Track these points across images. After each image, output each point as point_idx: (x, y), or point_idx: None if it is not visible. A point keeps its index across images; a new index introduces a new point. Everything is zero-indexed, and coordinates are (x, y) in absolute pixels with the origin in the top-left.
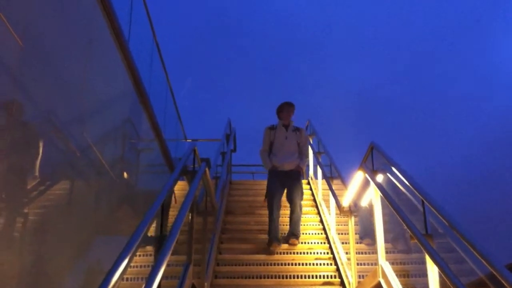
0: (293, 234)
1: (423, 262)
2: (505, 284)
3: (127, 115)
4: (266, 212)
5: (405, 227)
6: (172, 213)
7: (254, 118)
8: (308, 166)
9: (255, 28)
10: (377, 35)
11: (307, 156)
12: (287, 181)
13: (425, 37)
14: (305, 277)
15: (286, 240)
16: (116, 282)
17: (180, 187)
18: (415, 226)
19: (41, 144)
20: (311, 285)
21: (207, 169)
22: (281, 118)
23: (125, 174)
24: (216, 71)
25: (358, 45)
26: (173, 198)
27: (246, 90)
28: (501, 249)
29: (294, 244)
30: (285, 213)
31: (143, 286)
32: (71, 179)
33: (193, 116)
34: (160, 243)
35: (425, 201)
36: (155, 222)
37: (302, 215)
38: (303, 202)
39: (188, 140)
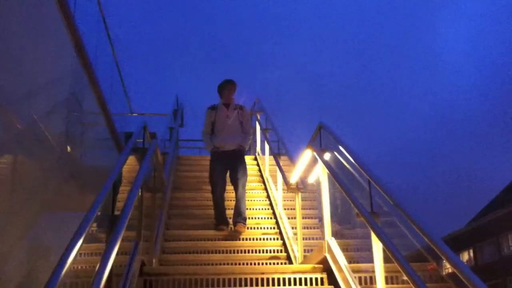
0: (239, 215)
1: (368, 237)
2: (439, 254)
3: (72, 89)
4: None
5: (352, 205)
6: (123, 188)
7: (203, 95)
8: (255, 142)
9: (209, 5)
10: (330, 19)
11: (250, 134)
12: (229, 161)
13: (376, 20)
14: (252, 252)
15: (233, 223)
16: (73, 260)
17: (128, 162)
18: (361, 204)
19: None
20: (258, 259)
21: (157, 146)
22: (222, 97)
23: (69, 149)
24: (167, 47)
25: (312, 27)
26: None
27: (197, 67)
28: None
29: (240, 231)
30: (230, 196)
31: (98, 264)
32: (15, 154)
33: (142, 91)
34: (112, 221)
35: (371, 180)
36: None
37: (249, 191)
38: (249, 178)
39: (134, 114)
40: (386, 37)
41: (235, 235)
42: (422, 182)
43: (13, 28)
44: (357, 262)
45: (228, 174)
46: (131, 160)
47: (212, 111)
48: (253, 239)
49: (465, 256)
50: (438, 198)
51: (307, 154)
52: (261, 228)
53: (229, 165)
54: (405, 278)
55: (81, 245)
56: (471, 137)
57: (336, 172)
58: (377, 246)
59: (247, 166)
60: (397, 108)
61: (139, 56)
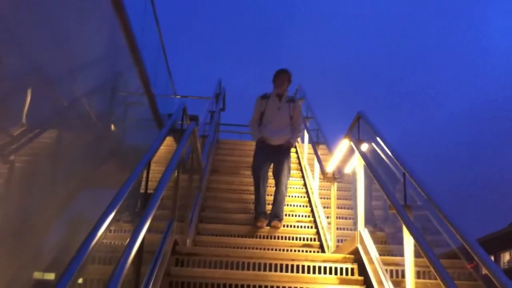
0: (276, 216)
1: (401, 231)
2: (474, 256)
3: (118, 68)
4: (251, 172)
5: (385, 198)
6: (158, 169)
7: (245, 80)
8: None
9: None
10: (368, 6)
11: (299, 130)
12: (274, 157)
13: (420, 12)
14: (285, 238)
15: (268, 222)
16: (103, 233)
17: (166, 143)
18: (395, 197)
19: (29, 93)
20: (291, 246)
21: (195, 128)
22: (275, 87)
23: (113, 127)
24: (211, 32)
25: (354, 15)
26: None
27: (239, 52)
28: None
29: (277, 227)
30: (271, 190)
31: (128, 240)
32: (58, 129)
33: (185, 74)
34: (145, 199)
35: (406, 173)
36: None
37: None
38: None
39: (177, 97)
40: (430, 30)
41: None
42: (460, 178)
43: (60, 7)
44: (390, 255)
45: (271, 169)
46: (171, 141)
47: (263, 100)
48: (288, 226)
49: (507, 256)
50: (477, 197)
51: (344, 144)
52: (296, 215)
53: (273, 160)
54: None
55: (112, 220)
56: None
57: (372, 164)
58: (408, 240)
59: None
60: (437, 102)
61: (183, 39)
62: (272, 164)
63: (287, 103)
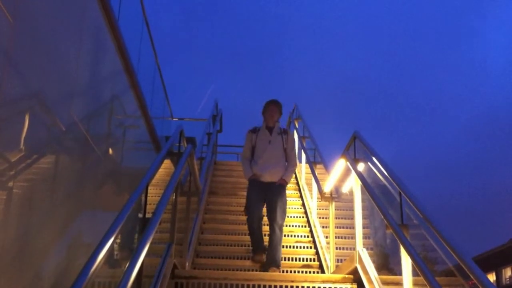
0: (273, 262)
1: (399, 249)
2: (471, 276)
3: (114, 92)
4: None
5: (382, 217)
6: (156, 192)
7: (242, 99)
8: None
9: (244, 11)
10: (365, 22)
11: (293, 164)
12: (267, 195)
13: (413, 23)
14: (285, 259)
15: (265, 268)
16: (103, 258)
17: (165, 165)
18: (391, 216)
19: (27, 119)
20: (290, 267)
21: (193, 151)
22: (265, 119)
23: (111, 151)
24: (205, 52)
25: (346, 32)
26: None
27: (234, 72)
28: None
29: (274, 274)
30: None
31: (127, 264)
32: (56, 154)
33: (180, 95)
34: (143, 223)
35: (402, 193)
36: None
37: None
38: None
39: (174, 119)
40: (426, 42)
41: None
42: (459, 192)
43: (57, 32)
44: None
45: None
46: (168, 164)
47: (253, 134)
48: (287, 247)
49: (508, 272)
50: (476, 211)
51: (341, 163)
52: (295, 236)
53: (266, 199)
54: None
55: (112, 243)
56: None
57: (369, 184)
58: (406, 259)
59: None
60: (436, 115)
61: (179, 61)
62: (265, 203)
63: (279, 136)
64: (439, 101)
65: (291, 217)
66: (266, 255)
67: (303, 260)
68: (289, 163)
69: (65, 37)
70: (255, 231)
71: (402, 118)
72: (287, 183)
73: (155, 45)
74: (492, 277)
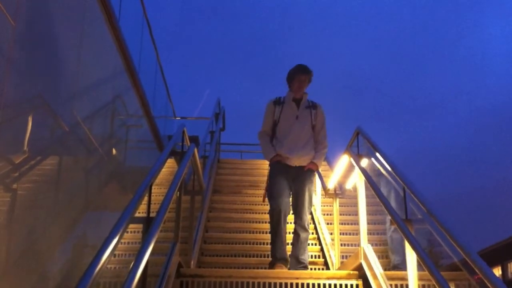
0: (299, 262)
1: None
2: (476, 270)
3: (117, 92)
4: (253, 191)
5: (386, 212)
6: (159, 191)
7: (244, 97)
8: None
9: (244, 5)
10: (366, 17)
11: (325, 146)
12: (295, 182)
13: (414, 18)
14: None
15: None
16: (106, 260)
17: (167, 165)
18: (395, 211)
19: (30, 120)
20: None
21: (195, 150)
22: (292, 89)
23: (114, 151)
24: (207, 50)
25: (347, 26)
26: None
27: (237, 69)
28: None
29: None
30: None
31: (131, 264)
32: (60, 155)
33: (183, 93)
34: (147, 223)
35: (406, 188)
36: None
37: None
38: None
39: (177, 118)
40: (427, 37)
41: None
42: (462, 186)
43: (59, 33)
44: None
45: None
46: (172, 163)
47: (276, 106)
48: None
49: None
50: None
51: (344, 160)
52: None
53: (293, 185)
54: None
55: (116, 246)
56: None
57: (372, 179)
58: (410, 253)
59: None
60: (437, 110)
61: (181, 60)
62: (291, 192)
63: (307, 110)
64: (440, 96)
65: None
66: (291, 253)
67: (308, 257)
68: (320, 144)
69: (66, 38)
70: (279, 232)
71: (404, 114)
72: (318, 168)
73: (156, 43)
74: (498, 271)
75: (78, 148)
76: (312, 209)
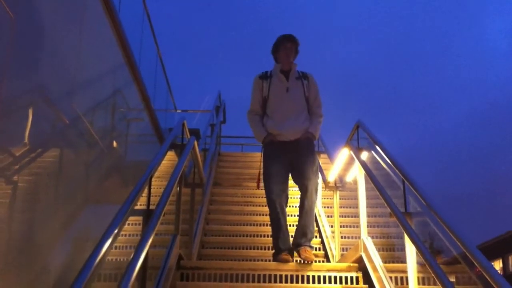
0: (303, 235)
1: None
2: (475, 263)
3: (117, 86)
4: (254, 184)
5: (386, 205)
6: (160, 184)
7: (245, 89)
8: None
9: (247, 1)
10: (365, 12)
11: (320, 115)
12: (292, 157)
13: (414, 13)
14: None
15: (295, 248)
16: (106, 252)
17: (168, 157)
18: (395, 204)
19: (30, 113)
20: (296, 256)
21: (195, 142)
22: (278, 60)
23: (115, 144)
24: (207, 42)
25: (351, 21)
26: None
27: (237, 62)
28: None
29: (309, 259)
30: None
31: (131, 256)
32: (61, 148)
33: (184, 86)
34: (147, 215)
35: (405, 181)
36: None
37: (290, 188)
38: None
39: (178, 111)
40: (428, 32)
41: None
42: (462, 180)
43: (59, 26)
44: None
45: (290, 175)
46: (173, 156)
47: (263, 81)
48: (292, 236)
49: None
50: (482, 198)
51: (344, 153)
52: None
53: (292, 162)
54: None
55: (115, 238)
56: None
57: (372, 172)
58: (410, 247)
59: None
60: (438, 105)
61: (182, 52)
62: (290, 170)
63: (298, 81)
64: (440, 90)
65: (294, 206)
66: (296, 228)
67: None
68: (315, 113)
69: (66, 31)
70: (278, 216)
71: (404, 108)
72: (315, 138)
73: (157, 37)
74: (498, 264)
75: (78, 141)
76: None
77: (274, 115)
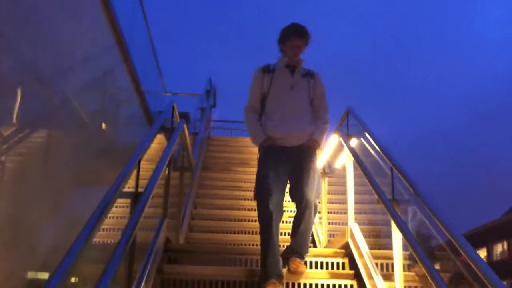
0: (296, 251)
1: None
2: (461, 251)
3: (107, 67)
4: (243, 168)
5: (373, 192)
6: (150, 167)
7: (235, 74)
8: None
9: None
10: (361, 1)
11: (326, 120)
12: (292, 166)
13: (409, 3)
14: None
15: (285, 260)
16: (93, 233)
17: (157, 140)
18: (382, 191)
19: (19, 93)
20: (283, 242)
21: (185, 126)
22: (285, 53)
23: (104, 126)
24: (199, 26)
25: (343, 9)
26: None
27: (228, 46)
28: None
29: (298, 272)
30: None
31: (119, 238)
32: (49, 129)
33: (175, 69)
34: (136, 198)
35: (394, 168)
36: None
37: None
38: None
39: (167, 94)
40: (418, 22)
41: None
42: (448, 171)
43: (48, 6)
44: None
45: (288, 185)
46: (162, 140)
47: (266, 74)
48: (281, 222)
49: (499, 248)
50: (464, 190)
51: (333, 139)
52: (288, 211)
53: (290, 172)
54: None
55: (103, 220)
56: (504, 128)
57: (361, 159)
58: (396, 233)
59: None
60: (427, 94)
61: (173, 35)
62: (288, 180)
63: (303, 79)
64: (433, 79)
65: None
66: (290, 244)
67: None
68: (321, 118)
69: (58, 12)
70: (271, 234)
71: (396, 96)
72: (319, 146)
73: (149, 21)
74: (483, 253)
75: (68, 122)
76: None
77: (274, 115)
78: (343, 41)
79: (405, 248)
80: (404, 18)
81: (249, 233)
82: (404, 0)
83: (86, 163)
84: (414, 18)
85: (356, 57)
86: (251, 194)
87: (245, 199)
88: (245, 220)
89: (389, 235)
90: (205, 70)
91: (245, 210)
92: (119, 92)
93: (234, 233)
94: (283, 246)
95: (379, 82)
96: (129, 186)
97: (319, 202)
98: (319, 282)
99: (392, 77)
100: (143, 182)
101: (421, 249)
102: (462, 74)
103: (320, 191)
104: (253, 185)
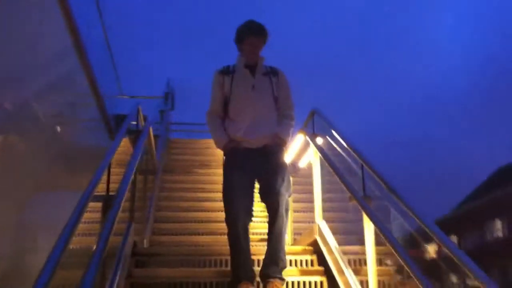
0: (274, 263)
1: (358, 221)
2: (433, 237)
3: (64, 70)
4: (204, 170)
5: (345, 189)
6: (114, 170)
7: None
8: None
9: None
10: (320, 2)
11: (292, 117)
12: (259, 167)
13: (364, 6)
14: None
15: (263, 280)
16: (70, 239)
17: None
18: (354, 188)
19: None
20: (253, 241)
21: (151, 128)
22: (243, 53)
23: (59, 129)
24: (157, 27)
25: (304, 8)
26: None
27: (187, 47)
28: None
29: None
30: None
31: (95, 245)
32: (6, 133)
33: (132, 73)
34: (107, 202)
35: (364, 164)
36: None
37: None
38: None
39: (125, 97)
40: (374, 23)
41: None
42: (409, 166)
43: (16, 19)
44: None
45: (256, 188)
46: (123, 142)
47: (225, 77)
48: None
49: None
50: (425, 183)
51: (299, 139)
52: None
53: (257, 173)
54: (393, 260)
55: (77, 225)
56: (460, 122)
57: (328, 155)
58: (369, 227)
59: None
60: (386, 91)
61: (131, 37)
62: (256, 182)
63: (265, 77)
64: (388, 80)
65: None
66: (265, 255)
67: (260, 235)
68: (285, 116)
69: (14, 14)
70: (240, 239)
71: (352, 97)
72: (285, 143)
73: (106, 22)
74: (455, 239)
75: (22, 126)
76: None
77: (238, 118)
78: (303, 40)
79: (377, 243)
80: (367, 19)
81: (214, 234)
82: (368, 2)
83: (45, 167)
84: (368, 19)
85: (315, 56)
86: (214, 195)
87: (208, 201)
88: (208, 222)
89: (357, 232)
90: (164, 73)
91: (208, 211)
92: (78, 97)
93: (198, 234)
94: (255, 245)
95: (339, 82)
96: (97, 190)
97: (288, 197)
98: (289, 279)
99: (349, 76)
100: (111, 186)
101: (395, 239)
102: (417, 71)
103: (291, 189)
104: (216, 186)
